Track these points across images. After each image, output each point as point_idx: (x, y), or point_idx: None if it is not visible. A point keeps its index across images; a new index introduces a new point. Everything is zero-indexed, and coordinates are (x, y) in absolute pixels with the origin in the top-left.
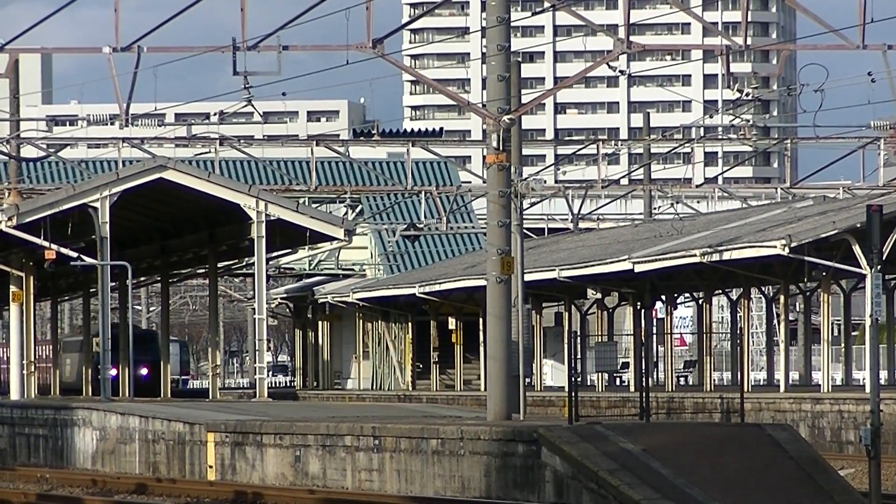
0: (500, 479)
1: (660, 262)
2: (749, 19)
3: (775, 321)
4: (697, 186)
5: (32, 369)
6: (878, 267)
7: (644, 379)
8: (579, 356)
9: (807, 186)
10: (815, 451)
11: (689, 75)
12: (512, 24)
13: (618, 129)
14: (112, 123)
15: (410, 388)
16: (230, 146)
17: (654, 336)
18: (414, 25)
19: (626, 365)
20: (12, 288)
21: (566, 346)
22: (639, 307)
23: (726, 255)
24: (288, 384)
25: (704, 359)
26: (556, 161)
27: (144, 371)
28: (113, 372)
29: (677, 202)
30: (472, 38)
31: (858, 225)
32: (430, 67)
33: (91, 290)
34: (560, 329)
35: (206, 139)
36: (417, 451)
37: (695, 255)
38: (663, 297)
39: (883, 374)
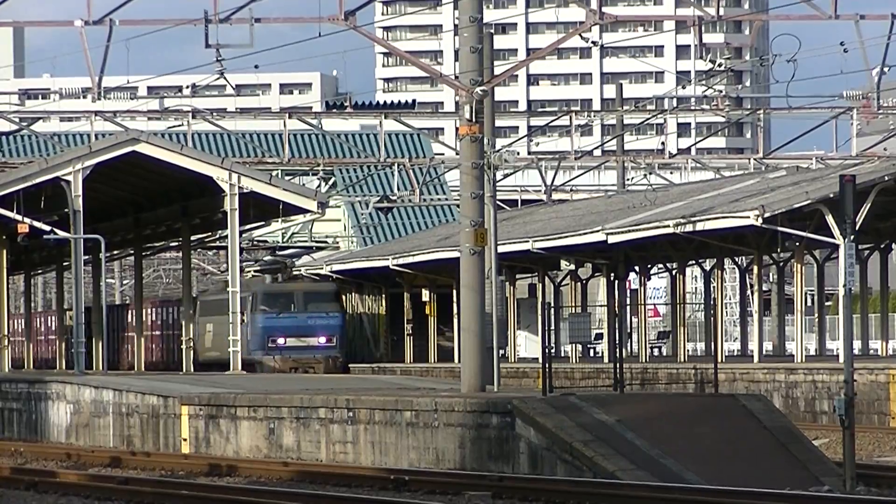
0: (475, 450)
1: (633, 232)
2: None
3: (749, 291)
4: (671, 157)
5: (6, 343)
6: (852, 237)
7: (618, 350)
8: (553, 327)
9: (780, 157)
10: (788, 421)
11: (662, 46)
12: None
13: (591, 100)
14: (84, 97)
15: (384, 361)
16: (203, 119)
17: (628, 307)
18: None
19: (599, 336)
20: None
21: (540, 317)
22: (612, 278)
23: (700, 226)
24: None
25: (678, 330)
26: (528, 132)
27: (322, 339)
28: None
29: (650, 173)
30: (445, 9)
31: (831, 195)
32: (402, 39)
33: (64, 264)
34: (534, 300)
35: (178, 112)
36: (392, 423)
37: (668, 226)
38: (637, 268)
39: (856, 344)
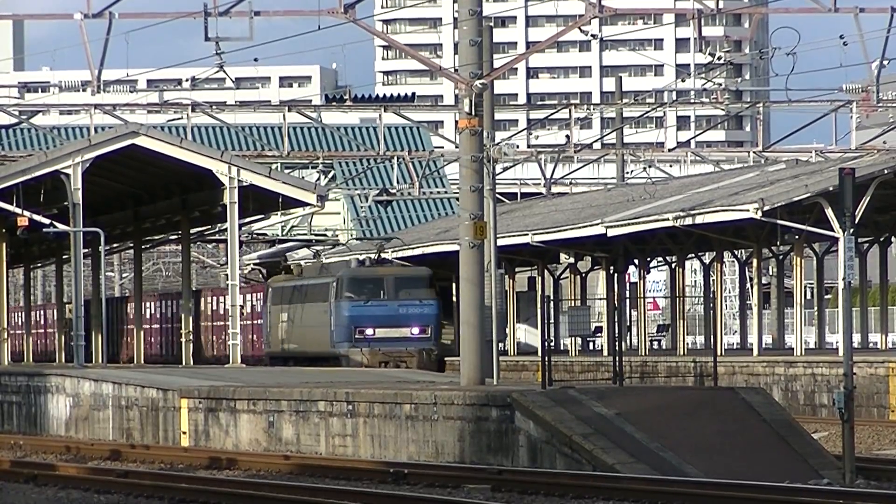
0: (474, 443)
1: (633, 226)
2: None
3: (748, 285)
4: (670, 150)
5: (6, 336)
6: (851, 230)
7: (617, 343)
8: (552, 321)
9: (779, 150)
10: (788, 414)
11: (662, 39)
12: None
13: (590, 93)
14: (84, 90)
15: None
16: (202, 112)
17: (628, 300)
18: None
19: (599, 329)
20: None
21: (539, 310)
22: (612, 271)
23: (699, 219)
24: None
25: (677, 323)
26: (528, 126)
27: (416, 330)
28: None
29: (650, 166)
30: (444, 2)
31: (831, 188)
32: (401, 32)
33: (64, 257)
34: (533, 294)
35: (178, 105)
36: (391, 417)
37: (668, 219)
38: (636, 261)
39: (856, 338)
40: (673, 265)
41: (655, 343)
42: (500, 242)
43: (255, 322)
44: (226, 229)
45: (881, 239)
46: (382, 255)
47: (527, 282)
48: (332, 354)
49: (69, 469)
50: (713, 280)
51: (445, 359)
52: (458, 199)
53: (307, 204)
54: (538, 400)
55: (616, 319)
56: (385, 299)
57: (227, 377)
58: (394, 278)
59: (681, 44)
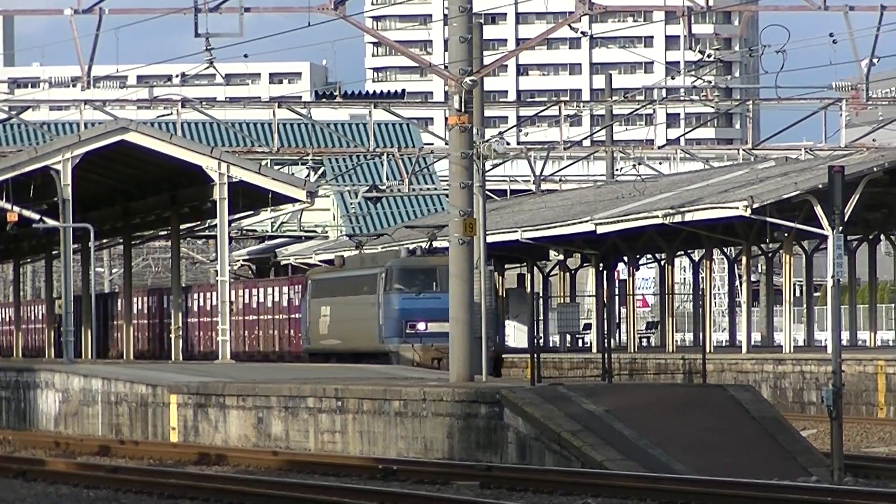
0: (463, 440)
1: (622, 223)
2: None
3: (737, 282)
4: (659, 148)
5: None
6: (840, 228)
7: (606, 340)
8: (542, 317)
9: (769, 147)
10: (777, 411)
11: (652, 37)
12: None
13: (580, 90)
14: (74, 85)
15: None
16: (192, 108)
17: (617, 297)
18: None
19: (588, 326)
20: None
21: (529, 307)
22: (601, 268)
23: (688, 217)
24: None
25: (667, 320)
26: (518, 122)
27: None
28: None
29: (639, 163)
30: None
31: (820, 186)
32: (392, 29)
33: (54, 253)
34: (522, 290)
35: (168, 101)
36: (380, 413)
37: (657, 217)
38: (626, 259)
39: (845, 335)
40: (662, 262)
41: (644, 340)
42: (490, 239)
43: (292, 316)
44: (215, 225)
45: (870, 237)
46: (434, 244)
47: (516, 279)
48: (380, 351)
49: (58, 464)
50: (702, 277)
51: (503, 356)
52: (447, 195)
53: (297, 200)
54: (527, 397)
55: (605, 316)
56: (438, 291)
57: (217, 373)
58: (447, 269)
59: (671, 41)
